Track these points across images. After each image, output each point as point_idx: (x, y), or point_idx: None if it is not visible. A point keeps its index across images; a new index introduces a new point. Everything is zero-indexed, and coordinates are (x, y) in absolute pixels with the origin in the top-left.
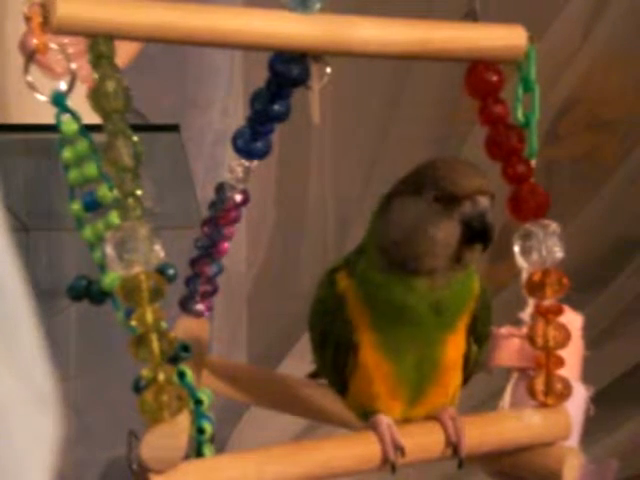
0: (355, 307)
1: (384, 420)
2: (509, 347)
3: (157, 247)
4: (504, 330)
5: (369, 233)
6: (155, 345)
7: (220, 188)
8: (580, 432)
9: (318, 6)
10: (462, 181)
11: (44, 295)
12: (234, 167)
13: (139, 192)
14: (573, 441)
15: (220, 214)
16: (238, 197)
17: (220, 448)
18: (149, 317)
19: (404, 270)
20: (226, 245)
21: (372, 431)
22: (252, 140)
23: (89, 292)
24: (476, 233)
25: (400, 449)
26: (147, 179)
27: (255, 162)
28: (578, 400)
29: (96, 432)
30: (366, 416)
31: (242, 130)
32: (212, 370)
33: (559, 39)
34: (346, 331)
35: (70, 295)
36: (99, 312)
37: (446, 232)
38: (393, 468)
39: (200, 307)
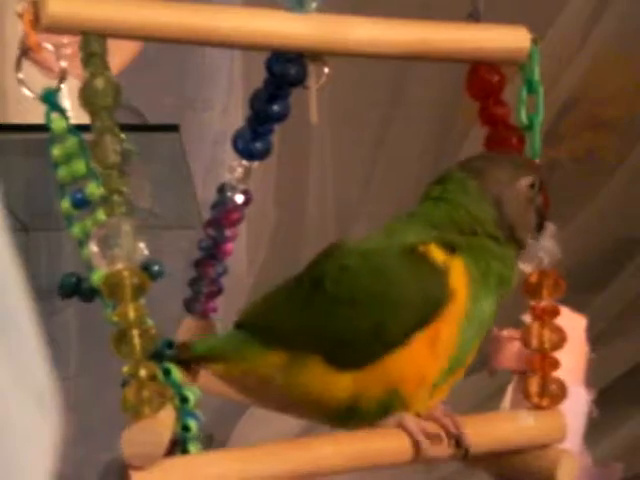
0: (457, 281)
1: (407, 415)
2: (510, 349)
3: (141, 244)
4: (505, 332)
5: (472, 206)
6: (136, 341)
7: (222, 189)
8: (582, 435)
9: (314, 5)
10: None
11: (44, 295)
12: (234, 167)
13: (125, 189)
14: (575, 445)
15: (223, 215)
16: (240, 198)
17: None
18: (131, 313)
19: (512, 244)
20: (230, 246)
21: (398, 428)
22: (252, 141)
23: (79, 289)
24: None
25: (435, 438)
26: (147, 179)
27: (255, 162)
28: (580, 403)
29: (96, 432)
30: (379, 403)
31: (242, 131)
32: None
33: (559, 39)
34: (437, 304)
35: (60, 292)
36: (99, 311)
37: (534, 215)
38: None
39: (205, 308)
